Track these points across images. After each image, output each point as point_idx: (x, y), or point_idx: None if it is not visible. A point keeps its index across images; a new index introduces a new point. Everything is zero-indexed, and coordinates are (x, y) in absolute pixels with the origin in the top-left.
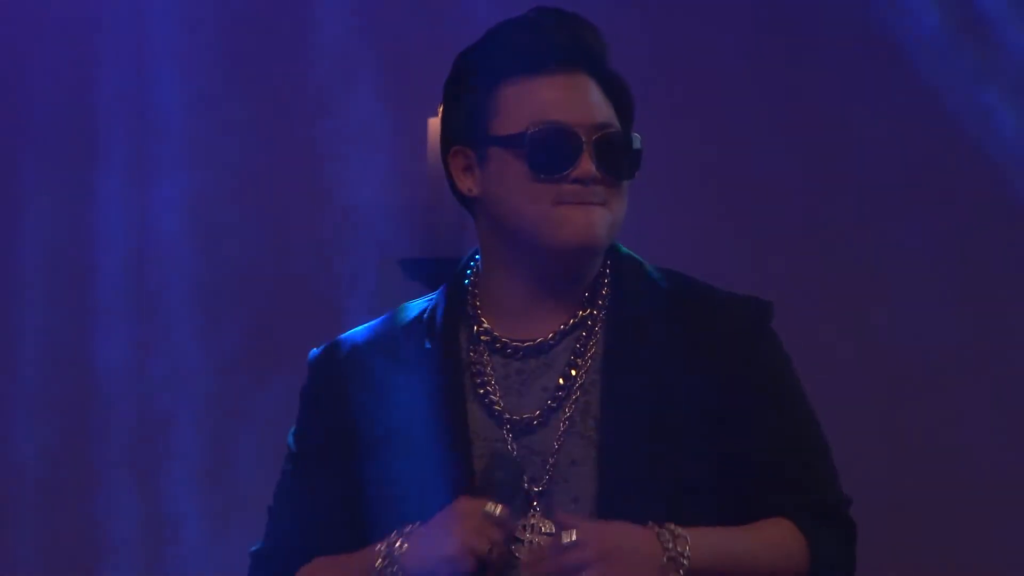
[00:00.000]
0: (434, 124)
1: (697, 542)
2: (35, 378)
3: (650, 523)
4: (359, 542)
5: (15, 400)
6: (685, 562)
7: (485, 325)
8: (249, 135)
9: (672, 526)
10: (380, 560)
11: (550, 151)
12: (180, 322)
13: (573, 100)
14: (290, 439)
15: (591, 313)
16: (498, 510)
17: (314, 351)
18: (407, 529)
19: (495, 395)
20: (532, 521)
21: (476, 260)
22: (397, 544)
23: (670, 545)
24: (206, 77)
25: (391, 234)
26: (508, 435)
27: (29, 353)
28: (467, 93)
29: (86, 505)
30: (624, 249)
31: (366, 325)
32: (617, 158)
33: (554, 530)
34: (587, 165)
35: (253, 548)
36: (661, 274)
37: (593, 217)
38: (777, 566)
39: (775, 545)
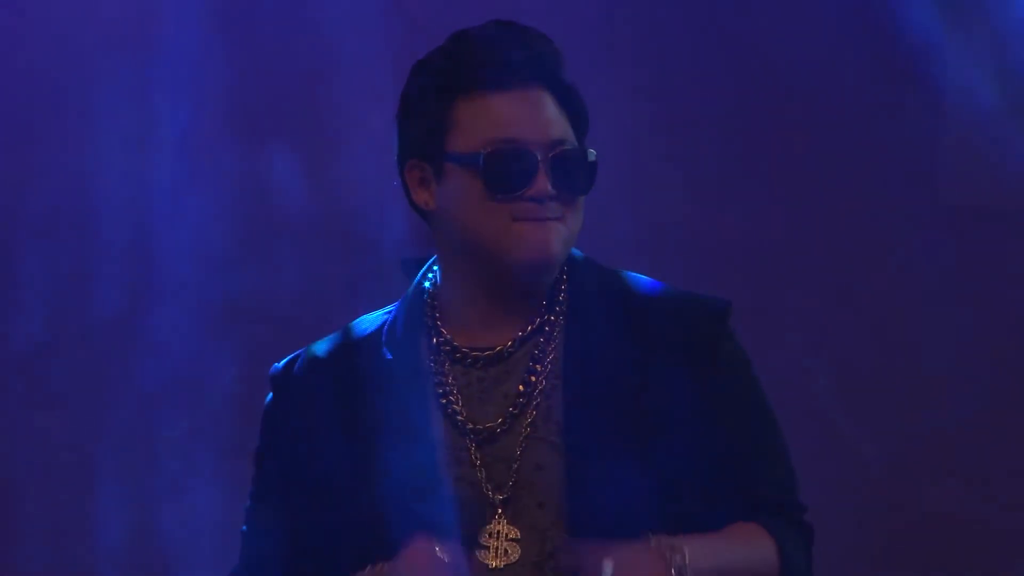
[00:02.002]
0: None
1: (694, 551)
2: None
3: (650, 537)
4: (329, 555)
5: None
6: (688, 573)
7: (445, 335)
8: (249, 134)
9: (665, 537)
10: None
11: (505, 170)
12: (180, 321)
13: (529, 117)
14: (255, 458)
15: (549, 319)
16: (446, 556)
17: (275, 366)
18: (375, 569)
19: (457, 405)
20: (497, 528)
21: (434, 271)
22: None
23: (672, 558)
24: (204, 75)
25: (391, 234)
26: (471, 444)
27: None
28: (424, 107)
29: (85, 505)
30: (580, 253)
31: (325, 338)
32: (573, 174)
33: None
34: (543, 183)
35: (230, 571)
36: (618, 276)
37: (549, 234)
38: (758, 571)
39: (757, 550)
